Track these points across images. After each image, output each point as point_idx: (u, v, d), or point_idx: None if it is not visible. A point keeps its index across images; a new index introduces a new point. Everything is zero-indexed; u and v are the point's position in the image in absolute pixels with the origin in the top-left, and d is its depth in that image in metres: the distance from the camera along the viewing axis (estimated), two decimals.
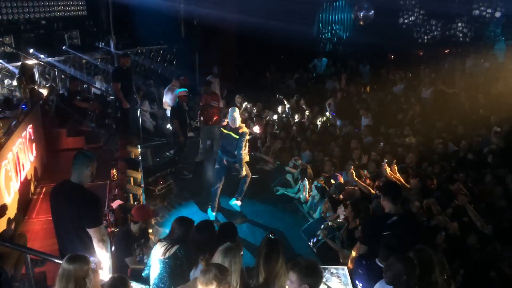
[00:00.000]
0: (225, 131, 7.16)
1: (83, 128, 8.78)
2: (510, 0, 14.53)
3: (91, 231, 3.76)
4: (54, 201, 3.93)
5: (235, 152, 7.04)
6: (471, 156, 7.97)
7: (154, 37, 12.74)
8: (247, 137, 7.19)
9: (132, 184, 7.20)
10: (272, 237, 3.65)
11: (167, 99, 10.06)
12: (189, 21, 13.62)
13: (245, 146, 7.14)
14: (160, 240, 4.10)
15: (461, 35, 15.33)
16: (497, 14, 15.31)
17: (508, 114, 9.41)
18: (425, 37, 15.44)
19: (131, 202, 6.23)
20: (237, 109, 7.26)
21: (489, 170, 7.26)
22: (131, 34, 12.66)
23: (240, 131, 7.03)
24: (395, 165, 7.07)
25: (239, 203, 7.55)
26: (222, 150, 7.26)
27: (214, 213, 7.43)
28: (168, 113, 9.74)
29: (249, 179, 7.45)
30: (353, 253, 4.34)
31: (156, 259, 3.99)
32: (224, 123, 7.26)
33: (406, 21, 15.62)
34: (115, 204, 5.79)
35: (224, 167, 7.32)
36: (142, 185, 7.25)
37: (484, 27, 16.11)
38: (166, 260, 3.93)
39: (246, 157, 7.25)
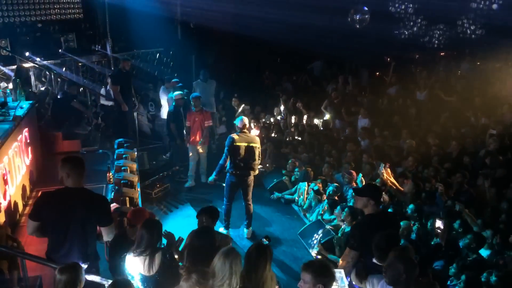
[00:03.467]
0: (241, 144, 6.78)
1: (79, 131, 8.76)
2: None
3: (105, 229, 4.03)
4: (58, 208, 3.85)
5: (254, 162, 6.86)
6: (467, 159, 7.99)
7: (150, 40, 12.74)
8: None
9: (128, 187, 7.16)
10: (266, 242, 3.66)
11: (164, 101, 10.06)
12: (186, 24, 13.63)
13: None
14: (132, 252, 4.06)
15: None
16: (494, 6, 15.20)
17: (503, 117, 9.48)
18: (424, 40, 15.42)
19: (127, 205, 6.19)
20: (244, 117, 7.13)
21: (484, 172, 7.28)
22: (128, 37, 12.65)
23: (257, 139, 6.97)
24: (389, 168, 7.10)
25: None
26: (236, 165, 6.85)
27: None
28: (164, 115, 9.74)
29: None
30: (341, 261, 4.33)
31: (139, 275, 3.97)
32: (237, 136, 6.83)
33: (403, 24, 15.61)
34: (111, 207, 5.75)
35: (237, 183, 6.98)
36: (139, 189, 7.22)
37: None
38: (157, 277, 3.91)
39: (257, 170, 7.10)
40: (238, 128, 6.97)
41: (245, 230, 7.19)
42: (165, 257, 3.99)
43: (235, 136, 6.83)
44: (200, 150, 8.79)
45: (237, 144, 6.76)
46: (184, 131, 8.95)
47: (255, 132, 10.27)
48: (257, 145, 6.88)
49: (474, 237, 5.27)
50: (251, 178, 6.99)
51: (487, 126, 9.29)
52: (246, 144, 6.77)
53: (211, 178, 7.14)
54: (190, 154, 8.78)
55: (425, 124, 9.92)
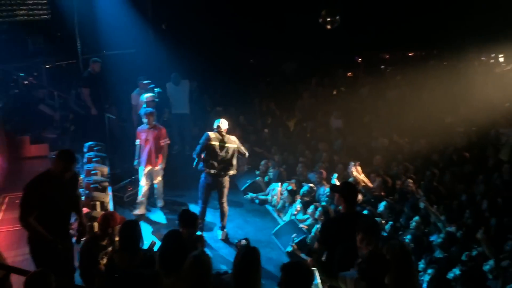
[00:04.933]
0: (216, 143, 6.70)
1: (47, 135, 8.57)
2: None
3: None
4: (52, 189, 4.38)
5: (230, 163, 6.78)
6: (436, 156, 8.20)
7: (121, 42, 12.55)
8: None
9: (99, 191, 7.04)
10: (246, 244, 3.66)
11: (135, 102, 9.92)
12: (158, 25, 13.50)
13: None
14: (116, 252, 4.04)
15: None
16: None
17: (469, 115, 9.77)
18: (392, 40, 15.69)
19: (98, 210, 6.09)
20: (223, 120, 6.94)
21: (451, 169, 7.48)
22: (98, 38, 12.43)
23: (234, 139, 6.83)
24: (359, 166, 7.22)
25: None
26: (211, 165, 6.77)
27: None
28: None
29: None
30: (309, 258, 4.38)
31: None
32: (213, 135, 6.74)
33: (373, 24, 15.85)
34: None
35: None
36: (110, 192, 7.11)
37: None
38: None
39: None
40: (215, 128, 6.80)
41: (219, 231, 7.15)
42: (146, 257, 3.97)
43: (211, 134, 6.73)
44: (158, 179, 7.70)
45: (212, 143, 6.68)
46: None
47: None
48: (233, 146, 6.76)
49: (447, 237, 5.41)
50: (226, 179, 6.91)
51: (454, 124, 9.56)
52: (221, 144, 6.70)
53: (194, 165, 6.98)
54: (143, 179, 7.55)
55: (396, 123, 10.12)
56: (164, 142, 7.58)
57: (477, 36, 13.92)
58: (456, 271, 4.76)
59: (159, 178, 7.72)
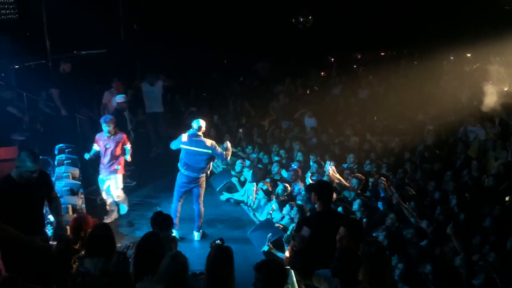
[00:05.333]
0: (188, 147, 6.69)
1: (16, 137, 8.35)
2: None
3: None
4: (17, 192, 4.36)
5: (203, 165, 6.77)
6: (408, 154, 8.36)
7: (92, 41, 12.33)
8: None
9: (71, 194, 6.90)
10: (220, 243, 3.65)
11: (106, 101, 9.79)
12: (129, 25, 13.31)
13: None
14: (85, 257, 3.97)
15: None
16: None
17: (438, 113, 10.01)
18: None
19: (70, 213, 5.97)
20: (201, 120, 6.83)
21: (423, 166, 7.64)
22: (68, 38, 12.17)
23: (209, 144, 6.73)
24: (334, 166, 7.30)
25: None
26: (184, 164, 6.77)
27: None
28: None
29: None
30: (286, 254, 4.42)
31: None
32: (186, 138, 6.70)
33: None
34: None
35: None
36: (82, 195, 6.98)
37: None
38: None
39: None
40: (193, 129, 6.78)
41: (195, 232, 7.10)
42: (119, 260, 3.91)
43: (184, 136, 6.72)
44: (119, 190, 7.36)
45: (184, 147, 6.69)
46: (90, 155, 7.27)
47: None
48: (206, 150, 6.70)
49: (416, 231, 5.52)
50: (202, 179, 6.92)
51: (424, 122, 9.78)
52: (193, 148, 6.67)
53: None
54: (103, 191, 7.30)
55: (368, 122, 10.28)
56: (126, 148, 7.30)
57: (446, 36, 14.28)
58: (428, 266, 4.87)
59: (121, 190, 7.38)
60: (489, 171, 7.58)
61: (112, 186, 7.29)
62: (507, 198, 6.80)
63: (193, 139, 6.69)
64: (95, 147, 7.18)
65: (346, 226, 3.92)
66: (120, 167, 7.27)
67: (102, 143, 7.11)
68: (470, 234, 5.54)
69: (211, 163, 6.99)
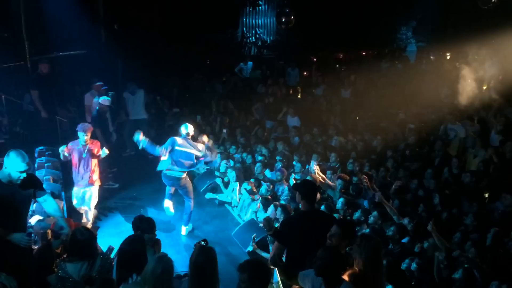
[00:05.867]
0: (183, 148, 6.79)
1: None
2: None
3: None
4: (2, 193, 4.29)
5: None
6: (390, 152, 8.46)
7: (72, 42, 12.16)
8: None
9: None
10: (204, 244, 3.64)
11: (88, 103, 9.67)
12: (110, 25, 13.17)
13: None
14: (67, 261, 3.94)
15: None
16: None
17: (419, 112, 10.16)
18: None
19: (51, 216, 5.87)
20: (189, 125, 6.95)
21: (404, 164, 7.74)
22: (47, 39, 11.97)
23: (201, 148, 6.87)
24: (318, 165, 7.35)
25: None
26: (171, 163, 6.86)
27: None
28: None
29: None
30: (271, 253, 4.45)
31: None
32: (180, 140, 6.80)
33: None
34: (33, 219, 5.44)
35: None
36: (63, 199, 6.88)
37: (396, 30, 17.20)
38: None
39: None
40: (184, 134, 6.87)
41: (183, 227, 7.22)
42: (103, 264, 3.89)
43: (178, 139, 6.80)
44: (94, 202, 6.97)
45: (178, 148, 6.76)
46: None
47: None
48: (199, 153, 6.85)
49: (397, 229, 5.59)
50: (183, 181, 6.98)
51: (405, 120, 9.91)
52: (187, 150, 6.78)
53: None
54: (75, 202, 6.87)
55: (350, 121, 10.37)
56: (101, 155, 6.87)
57: (427, 36, 14.55)
58: (413, 263, 4.94)
59: (95, 202, 7.02)
60: (468, 168, 7.72)
61: (90, 197, 6.91)
62: (486, 195, 6.94)
63: (187, 141, 6.84)
64: (66, 153, 6.67)
65: (339, 225, 3.95)
66: (97, 178, 6.96)
67: (77, 152, 6.70)
68: (450, 230, 5.63)
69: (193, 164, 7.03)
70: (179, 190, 7.13)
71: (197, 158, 6.92)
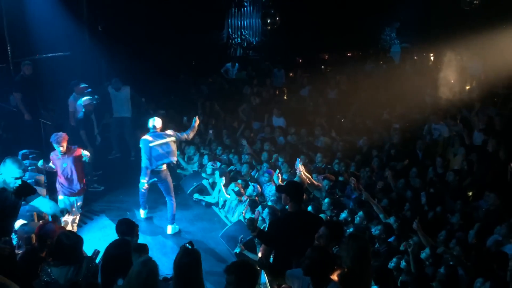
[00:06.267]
0: (158, 142, 6.96)
1: None
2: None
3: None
4: None
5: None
6: (375, 152, 8.53)
7: (55, 44, 12.00)
8: None
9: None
10: (190, 247, 3.63)
11: (72, 109, 9.55)
12: (94, 27, 13.04)
13: None
14: (51, 265, 3.89)
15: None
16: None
17: (404, 112, 10.26)
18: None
19: (36, 220, 5.80)
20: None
21: (389, 164, 7.82)
22: (29, 40, 11.80)
23: (170, 132, 7.16)
24: (303, 165, 7.37)
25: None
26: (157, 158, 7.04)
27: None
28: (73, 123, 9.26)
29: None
30: (259, 254, 4.45)
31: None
32: (150, 137, 6.97)
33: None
34: (17, 224, 5.35)
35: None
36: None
37: (380, 31, 17.37)
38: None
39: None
40: (152, 129, 7.06)
41: (168, 226, 7.28)
42: (89, 268, 3.85)
43: (148, 137, 6.97)
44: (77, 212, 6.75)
45: (152, 144, 6.93)
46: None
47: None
48: (171, 138, 7.10)
49: (384, 228, 5.64)
50: (164, 173, 7.19)
51: (390, 121, 10.00)
52: (159, 142, 6.97)
53: (143, 185, 7.17)
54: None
55: (336, 121, 10.42)
56: (84, 156, 6.66)
57: (410, 37, 14.73)
58: (402, 261, 4.99)
59: (78, 211, 6.82)
60: (452, 167, 7.81)
61: (77, 204, 6.79)
62: (470, 193, 7.04)
63: (156, 134, 7.02)
64: (51, 164, 6.60)
65: (327, 226, 3.98)
66: (84, 183, 6.83)
67: (58, 162, 6.54)
68: (436, 229, 5.70)
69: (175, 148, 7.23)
70: (160, 186, 7.29)
71: (174, 142, 7.12)
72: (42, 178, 6.99)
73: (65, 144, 6.45)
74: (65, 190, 6.64)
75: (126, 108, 10.18)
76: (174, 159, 7.19)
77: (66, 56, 12.39)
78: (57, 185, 6.68)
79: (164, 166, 7.14)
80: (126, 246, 4.01)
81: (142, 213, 7.63)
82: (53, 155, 6.58)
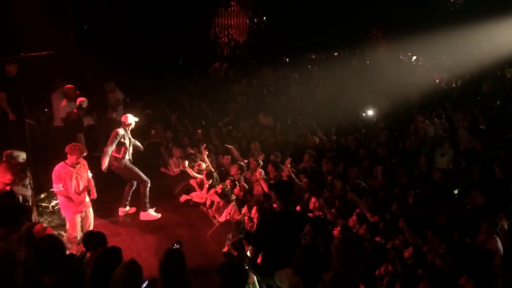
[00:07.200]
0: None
1: None
2: None
3: None
4: None
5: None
6: (363, 151, 8.58)
7: (39, 43, 11.84)
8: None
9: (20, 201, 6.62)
10: (174, 248, 3.64)
11: (57, 109, 9.44)
12: (79, 25, 12.91)
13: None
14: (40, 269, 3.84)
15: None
16: None
17: (390, 111, 10.37)
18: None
19: None
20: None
21: (377, 163, 7.87)
22: (13, 39, 11.63)
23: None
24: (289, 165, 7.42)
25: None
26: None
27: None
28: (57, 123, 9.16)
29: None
30: (248, 254, 4.46)
31: None
32: (122, 132, 7.48)
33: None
34: None
35: None
36: (31, 203, 6.72)
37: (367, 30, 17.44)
38: None
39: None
40: (124, 124, 7.49)
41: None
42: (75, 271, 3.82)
43: (120, 131, 7.42)
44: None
45: (123, 140, 7.38)
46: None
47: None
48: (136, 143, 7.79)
49: (369, 227, 5.69)
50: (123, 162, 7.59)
51: (376, 119, 10.09)
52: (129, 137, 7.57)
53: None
54: (76, 229, 6.34)
55: (323, 121, 10.46)
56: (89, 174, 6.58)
57: (395, 37, 14.85)
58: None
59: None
60: (436, 166, 7.89)
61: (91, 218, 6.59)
62: (455, 192, 7.13)
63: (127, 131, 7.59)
64: (59, 186, 6.15)
65: (311, 223, 4.00)
66: (94, 194, 6.58)
67: (69, 176, 6.18)
68: (421, 227, 5.76)
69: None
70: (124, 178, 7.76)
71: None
72: (27, 178, 6.91)
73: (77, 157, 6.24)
74: (77, 207, 6.44)
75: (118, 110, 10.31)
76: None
77: (51, 55, 12.25)
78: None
79: (123, 160, 7.58)
80: (116, 253, 3.91)
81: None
82: (60, 167, 6.24)
